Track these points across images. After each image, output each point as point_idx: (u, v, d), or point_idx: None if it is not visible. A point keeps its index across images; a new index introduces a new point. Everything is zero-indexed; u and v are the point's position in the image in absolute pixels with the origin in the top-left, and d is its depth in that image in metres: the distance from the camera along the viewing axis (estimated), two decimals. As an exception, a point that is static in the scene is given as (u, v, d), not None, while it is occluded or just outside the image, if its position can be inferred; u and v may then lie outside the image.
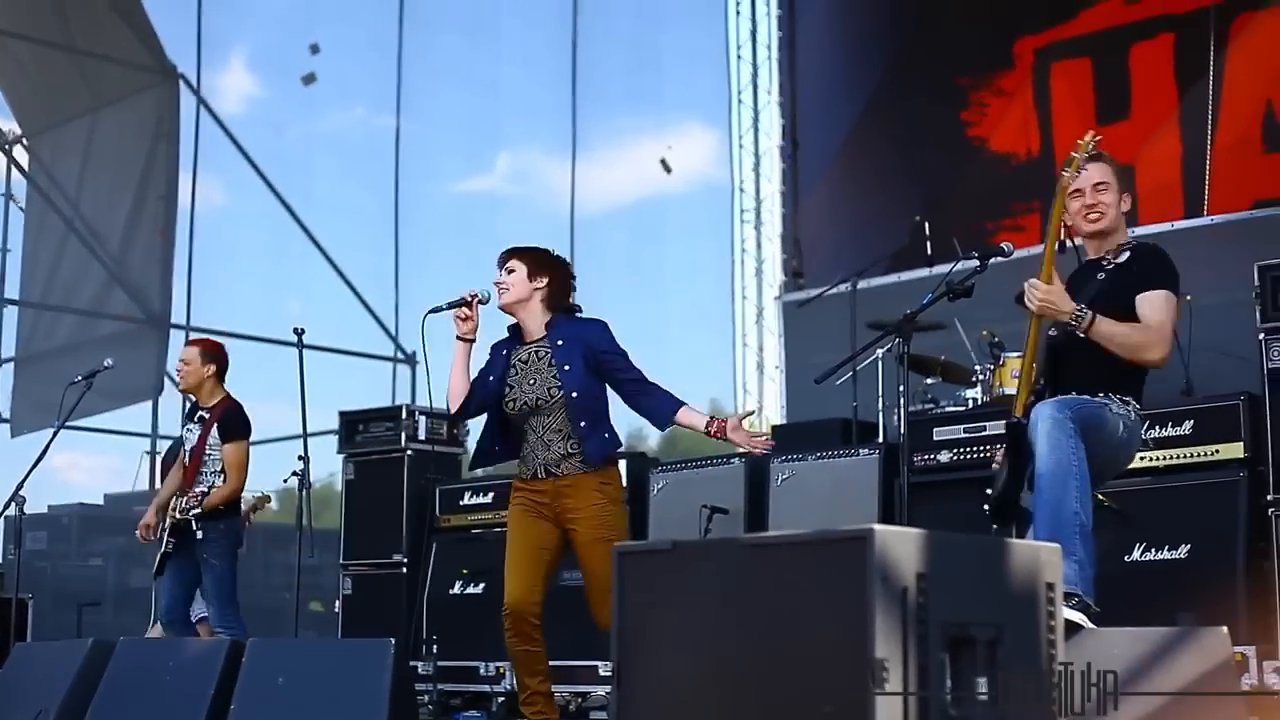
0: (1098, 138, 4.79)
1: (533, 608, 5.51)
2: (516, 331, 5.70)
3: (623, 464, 7.83)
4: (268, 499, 8.39)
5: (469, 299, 5.60)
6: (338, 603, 9.29)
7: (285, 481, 7.12)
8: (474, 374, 5.72)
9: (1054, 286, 4.62)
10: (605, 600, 5.21)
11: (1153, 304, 4.70)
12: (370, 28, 15.38)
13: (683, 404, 5.56)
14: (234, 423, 7.51)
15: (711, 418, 5.50)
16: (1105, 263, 4.88)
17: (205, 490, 7.35)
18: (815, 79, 13.30)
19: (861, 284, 9.03)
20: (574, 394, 5.49)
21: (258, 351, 13.89)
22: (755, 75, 13.94)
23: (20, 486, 7.95)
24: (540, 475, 5.58)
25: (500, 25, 15.79)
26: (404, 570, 8.87)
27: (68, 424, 7.97)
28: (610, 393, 5.66)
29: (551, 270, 5.68)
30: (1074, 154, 4.78)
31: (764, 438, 5.64)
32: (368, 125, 15.94)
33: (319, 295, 14.84)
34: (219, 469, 7.42)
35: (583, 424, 5.50)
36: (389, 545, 8.95)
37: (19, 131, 14.01)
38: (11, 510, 8.08)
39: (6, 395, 13.39)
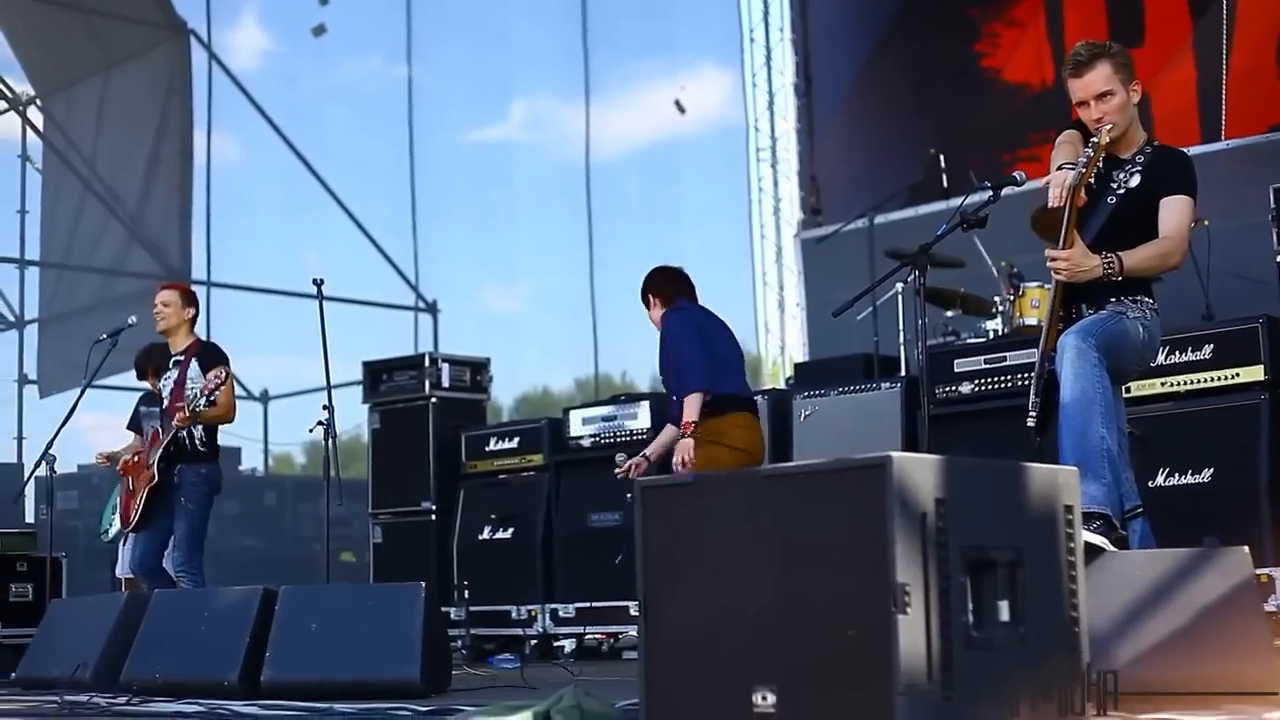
0: (1112, 130, 4.71)
1: None
2: None
3: (645, 404, 8.00)
4: None
5: None
6: (368, 552, 9.37)
7: (310, 432, 7.12)
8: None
9: (1075, 250, 4.61)
10: None
11: (1174, 209, 4.72)
12: (378, -23, 15.36)
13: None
14: (214, 353, 7.49)
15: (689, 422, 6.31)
16: (1121, 175, 4.83)
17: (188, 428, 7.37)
18: (827, 15, 13.22)
19: (879, 218, 9.03)
20: None
21: (278, 305, 13.99)
22: (766, 13, 13.86)
23: (50, 446, 8.01)
24: None
25: (508, -30, 15.74)
26: (433, 517, 8.94)
27: (94, 383, 8.02)
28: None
29: None
30: (1093, 139, 4.68)
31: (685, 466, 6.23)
32: (380, 76, 15.93)
33: (337, 247, 14.89)
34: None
35: None
36: (417, 493, 9.01)
37: (32, 93, 14.00)
38: (42, 470, 8.16)
39: (33, 356, 13.44)
